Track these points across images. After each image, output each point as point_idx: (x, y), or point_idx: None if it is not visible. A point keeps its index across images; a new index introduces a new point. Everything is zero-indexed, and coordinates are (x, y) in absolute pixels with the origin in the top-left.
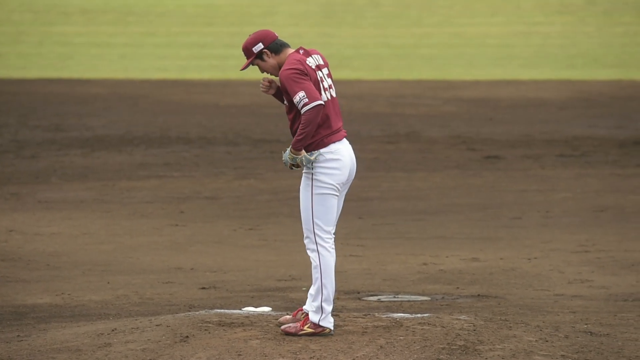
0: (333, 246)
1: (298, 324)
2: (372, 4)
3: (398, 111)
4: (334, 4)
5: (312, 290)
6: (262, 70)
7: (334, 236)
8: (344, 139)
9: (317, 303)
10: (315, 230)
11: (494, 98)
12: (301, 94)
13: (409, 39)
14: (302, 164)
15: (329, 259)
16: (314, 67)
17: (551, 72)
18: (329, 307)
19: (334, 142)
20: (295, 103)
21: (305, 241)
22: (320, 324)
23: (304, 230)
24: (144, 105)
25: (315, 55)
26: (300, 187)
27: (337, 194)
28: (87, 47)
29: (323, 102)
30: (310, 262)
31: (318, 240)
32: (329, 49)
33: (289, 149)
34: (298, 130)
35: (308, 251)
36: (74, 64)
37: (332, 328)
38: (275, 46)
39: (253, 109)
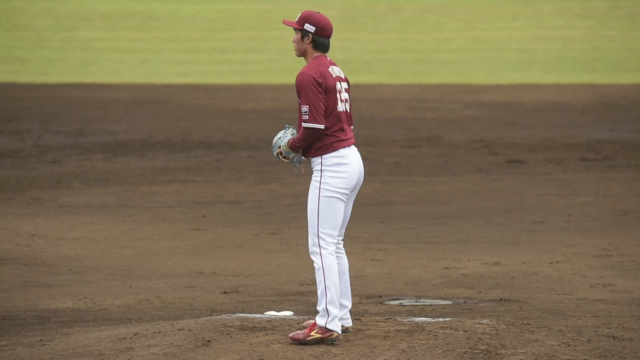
0: (342, 250)
1: (306, 330)
2: (393, 9)
3: (419, 115)
4: (354, 9)
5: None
6: (293, 39)
7: (341, 242)
8: (353, 146)
9: (322, 306)
10: (319, 233)
11: (515, 102)
12: (306, 107)
13: (429, 43)
14: (289, 156)
15: (331, 261)
16: (334, 76)
17: (573, 76)
18: (334, 310)
19: (343, 147)
20: (301, 110)
21: (309, 243)
22: (327, 327)
23: (308, 232)
24: (165, 110)
25: (337, 68)
26: (309, 190)
27: (345, 199)
28: (108, 52)
29: (322, 127)
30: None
31: (321, 243)
32: (349, 54)
33: (287, 137)
34: (297, 137)
35: (311, 254)
36: (95, 69)
37: (339, 332)
38: (320, 41)
39: (274, 113)
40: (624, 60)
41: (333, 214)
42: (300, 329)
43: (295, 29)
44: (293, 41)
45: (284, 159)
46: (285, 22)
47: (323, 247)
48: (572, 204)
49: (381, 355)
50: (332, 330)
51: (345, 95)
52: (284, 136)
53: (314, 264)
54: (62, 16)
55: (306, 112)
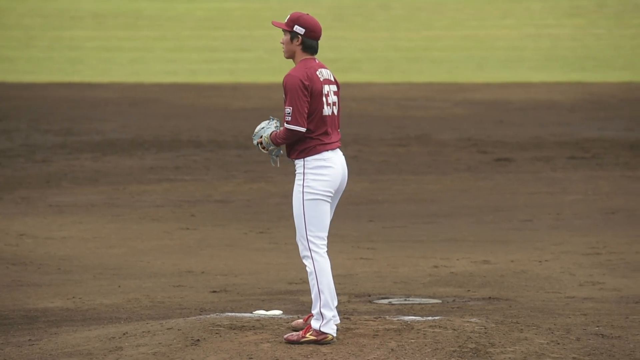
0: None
1: (300, 333)
2: (382, 7)
3: (408, 114)
4: (343, 7)
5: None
6: (281, 40)
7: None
8: (338, 149)
9: (316, 310)
10: (308, 236)
11: (504, 100)
12: (290, 109)
13: (419, 41)
14: (269, 148)
15: (324, 264)
16: (322, 79)
17: (561, 75)
18: (329, 313)
19: (327, 150)
20: (285, 111)
21: (299, 248)
22: (322, 330)
23: (297, 236)
24: (154, 109)
25: (327, 71)
26: (293, 194)
27: (329, 200)
28: (97, 52)
29: (303, 130)
30: (306, 270)
31: (311, 246)
32: (339, 53)
33: (271, 129)
34: (279, 135)
35: (302, 259)
36: (84, 68)
37: (334, 335)
38: (310, 43)
39: (263, 112)
40: (613, 58)
41: (319, 215)
42: (290, 329)
43: (284, 30)
44: (281, 42)
45: (263, 149)
46: (274, 24)
47: (314, 251)
48: (561, 202)
49: (370, 354)
50: (327, 333)
51: (332, 99)
52: (267, 127)
53: (307, 268)
54: (50, 15)
55: (289, 113)
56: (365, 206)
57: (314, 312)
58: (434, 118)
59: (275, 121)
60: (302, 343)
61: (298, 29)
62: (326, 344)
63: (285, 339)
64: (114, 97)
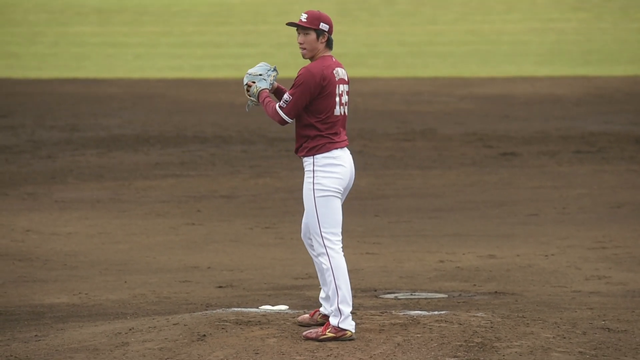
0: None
1: (319, 329)
2: (387, 2)
3: (413, 109)
4: (348, 2)
5: (322, 294)
6: (302, 41)
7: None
8: (346, 148)
9: (334, 306)
10: (322, 233)
11: (509, 95)
12: (289, 97)
13: (424, 36)
14: (252, 98)
15: (339, 259)
16: (337, 79)
17: (567, 69)
18: (347, 309)
19: (336, 148)
20: (283, 96)
21: (314, 245)
22: (340, 326)
23: (311, 234)
24: (159, 104)
25: (342, 70)
26: (303, 193)
27: (340, 196)
28: (102, 47)
29: (289, 121)
30: (321, 267)
31: (326, 243)
32: (344, 48)
33: (266, 84)
34: (266, 104)
35: (318, 256)
36: (89, 64)
37: (353, 331)
38: (331, 40)
39: None
40: (618, 52)
41: (331, 212)
42: (297, 324)
43: (306, 29)
44: (301, 43)
45: (247, 92)
46: (298, 24)
47: (329, 247)
48: (567, 196)
49: (376, 348)
50: (346, 330)
51: (345, 99)
52: (265, 78)
53: (322, 265)
54: (55, 11)
55: (287, 101)
56: (371, 201)
57: (331, 308)
58: (439, 112)
59: (274, 74)
60: (321, 341)
61: (324, 26)
62: (346, 340)
63: (304, 336)
64: (119, 92)
